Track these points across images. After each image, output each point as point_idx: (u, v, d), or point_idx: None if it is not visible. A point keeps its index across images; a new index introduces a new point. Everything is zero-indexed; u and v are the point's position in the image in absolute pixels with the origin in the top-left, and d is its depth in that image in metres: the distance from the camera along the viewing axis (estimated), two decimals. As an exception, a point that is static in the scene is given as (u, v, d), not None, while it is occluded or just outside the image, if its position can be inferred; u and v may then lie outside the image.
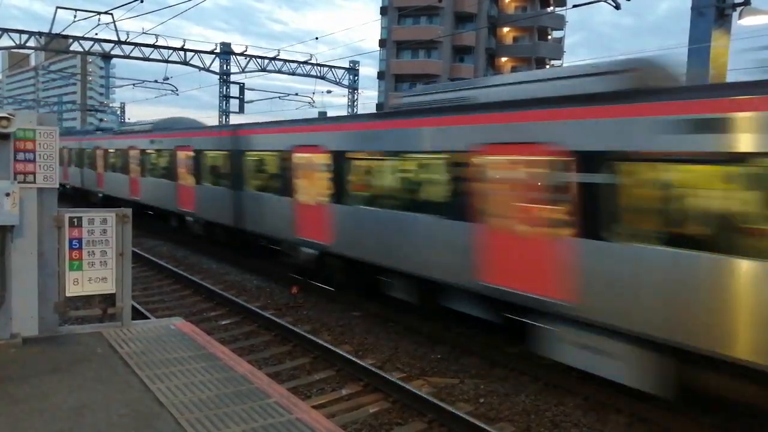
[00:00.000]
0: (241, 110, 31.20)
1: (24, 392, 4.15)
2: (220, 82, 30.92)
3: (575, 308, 7.19)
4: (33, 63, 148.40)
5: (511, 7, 63.21)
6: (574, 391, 7.76)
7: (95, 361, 4.91)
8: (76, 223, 5.65)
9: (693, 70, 10.65)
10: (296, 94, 33.55)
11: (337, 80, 32.46)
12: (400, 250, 9.93)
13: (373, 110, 60.15)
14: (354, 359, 8.45)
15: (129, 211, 5.94)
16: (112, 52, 28.80)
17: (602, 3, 12.49)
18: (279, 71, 31.33)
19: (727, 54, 10.72)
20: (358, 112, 33.24)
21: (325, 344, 9.06)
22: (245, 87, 31.16)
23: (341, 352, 8.72)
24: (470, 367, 8.76)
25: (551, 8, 61.14)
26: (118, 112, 65.97)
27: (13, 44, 27.13)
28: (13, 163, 5.30)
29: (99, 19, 24.62)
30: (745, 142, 5.64)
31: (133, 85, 38.00)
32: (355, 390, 7.81)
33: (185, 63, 29.61)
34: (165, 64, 29.55)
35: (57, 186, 5.59)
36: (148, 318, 9.99)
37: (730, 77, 11.17)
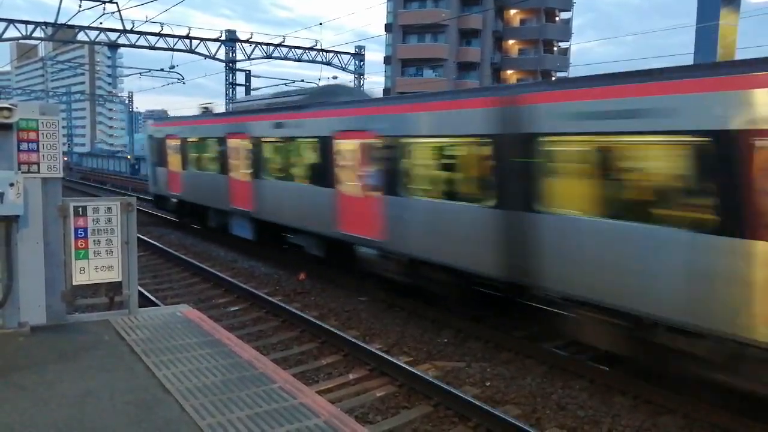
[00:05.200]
0: (248, 98, 31.13)
1: (30, 380, 4.21)
2: (226, 69, 30.87)
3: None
4: (41, 54, 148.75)
5: (518, -12, 62.54)
6: (579, 374, 7.78)
7: (102, 349, 4.97)
8: (81, 212, 5.68)
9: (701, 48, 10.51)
10: (302, 81, 33.46)
11: (343, 66, 32.31)
12: None
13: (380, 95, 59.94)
14: (361, 344, 8.50)
15: (134, 200, 5.97)
16: (118, 41, 28.79)
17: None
18: (285, 58, 31.23)
19: (736, 32, 10.55)
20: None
21: (333, 329, 9.11)
22: (251, 74, 31.11)
23: (348, 337, 8.77)
24: (476, 350, 8.79)
25: (559, -11, 60.47)
26: (126, 101, 66.03)
27: (20, 35, 27.17)
28: (16, 153, 5.33)
29: (104, 8, 24.60)
30: None
31: (140, 74, 38.05)
32: (362, 374, 7.86)
33: (191, 51, 29.57)
34: (171, 52, 29.53)
35: (61, 175, 5.62)
36: (158, 305, 10.08)
37: (740, 56, 11.01)
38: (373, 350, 8.24)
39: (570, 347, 8.59)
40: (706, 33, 10.52)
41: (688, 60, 10.72)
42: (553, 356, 8.29)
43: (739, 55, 10.78)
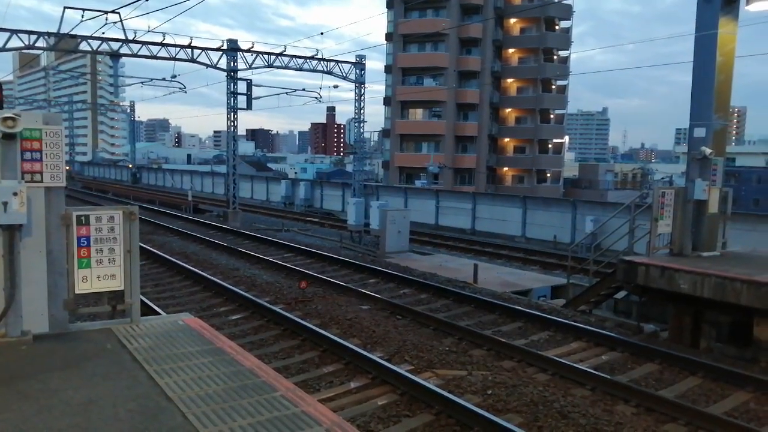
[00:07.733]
0: (249, 107, 31.22)
1: (33, 389, 4.22)
2: (227, 78, 30.95)
3: None
4: (43, 63, 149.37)
5: (518, -3, 62.88)
6: (581, 382, 7.77)
7: (104, 357, 4.97)
8: (83, 221, 5.70)
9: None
10: (303, 90, 33.61)
11: (344, 75, 32.41)
12: None
13: (381, 104, 60.09)
14: (362, 352, 8.49)
15: (136, 209, 5.98)
16: (120, 51, 28.89)
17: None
18: (286, 67, 31.32)
19: (735, 41, 10.60)
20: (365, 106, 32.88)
21: (334, 337, 9.11)
22: (252, 83, 31.17)
23: (350, 345, 8.77)
24: (478, 359, 8.78)
25: (559, -2, 60.75)
26: (128, 110, 66.23)
27: (23, 45, 27.28)
28: (20, 162, 5.36)
29: (106, 18, 24.76)
30: None
31: (142, 83, 38.17)
32: (364, 383, 7.85)
33: (192, 60, 29.66)
34: (173, 61, 29.62)
35: (64, 184, 5.64)
36: (160, 314, 10.08)
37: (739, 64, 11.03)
38: (374, 358, 8.24)
39: (571, 355, 8.59)
40: (706, 41, 10.57)
41: (689, 68, 10.77)
42: (554, 364, 8.28)
43: (738, 63, 10.83)
